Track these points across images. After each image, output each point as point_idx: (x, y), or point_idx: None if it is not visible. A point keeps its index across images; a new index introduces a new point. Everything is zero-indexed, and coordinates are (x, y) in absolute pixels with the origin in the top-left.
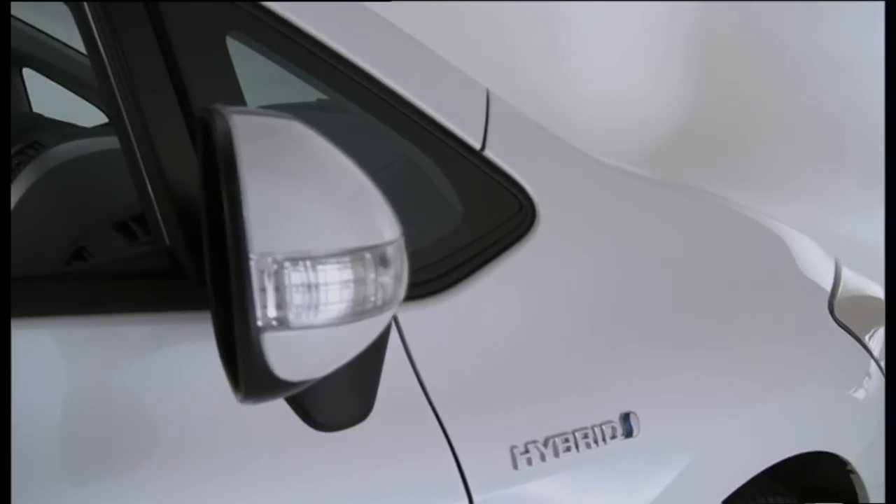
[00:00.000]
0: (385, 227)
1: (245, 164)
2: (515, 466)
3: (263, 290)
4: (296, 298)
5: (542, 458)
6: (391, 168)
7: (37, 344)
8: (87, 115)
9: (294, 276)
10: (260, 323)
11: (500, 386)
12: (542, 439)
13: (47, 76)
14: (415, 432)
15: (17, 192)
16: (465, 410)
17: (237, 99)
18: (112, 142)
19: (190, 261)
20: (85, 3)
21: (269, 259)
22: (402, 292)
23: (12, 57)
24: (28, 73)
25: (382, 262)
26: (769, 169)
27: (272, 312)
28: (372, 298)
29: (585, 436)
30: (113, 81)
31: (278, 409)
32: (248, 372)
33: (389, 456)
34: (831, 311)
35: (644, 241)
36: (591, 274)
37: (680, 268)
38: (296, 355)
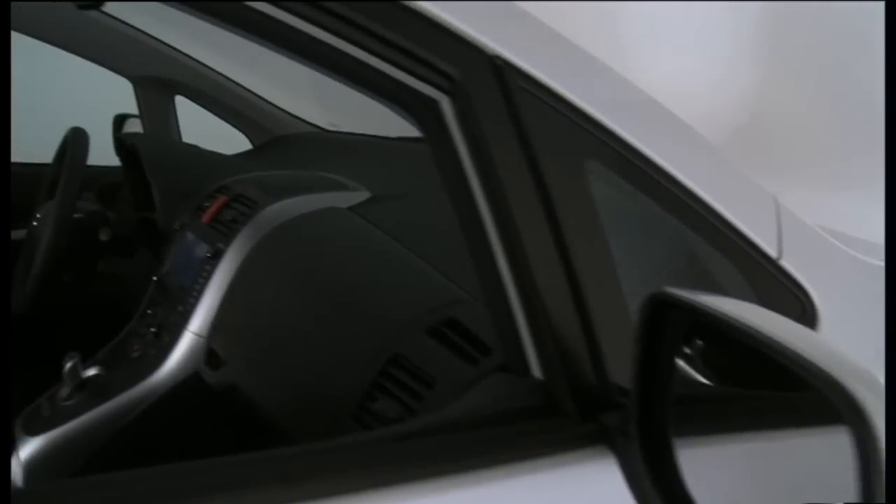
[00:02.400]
0: None
1: None
2: None
3: None
4: None
5: None
6: (675, 265)
7: None
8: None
9: None
10: None
11: None
12: None
13: (199, 104)
14: None
15: (238, 254)
16: None
17: (596, 224)
18: (321, 199)
19: (567, 397)
20: (453, 132)
21: None
22: None
23: (167, 86)
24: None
25: None
26: (846, 166)
27: None
28: None
29: None
30: (485, 213)
31: None
32: None
33: None
34: None
35: None
36: None
37: None
38: None
